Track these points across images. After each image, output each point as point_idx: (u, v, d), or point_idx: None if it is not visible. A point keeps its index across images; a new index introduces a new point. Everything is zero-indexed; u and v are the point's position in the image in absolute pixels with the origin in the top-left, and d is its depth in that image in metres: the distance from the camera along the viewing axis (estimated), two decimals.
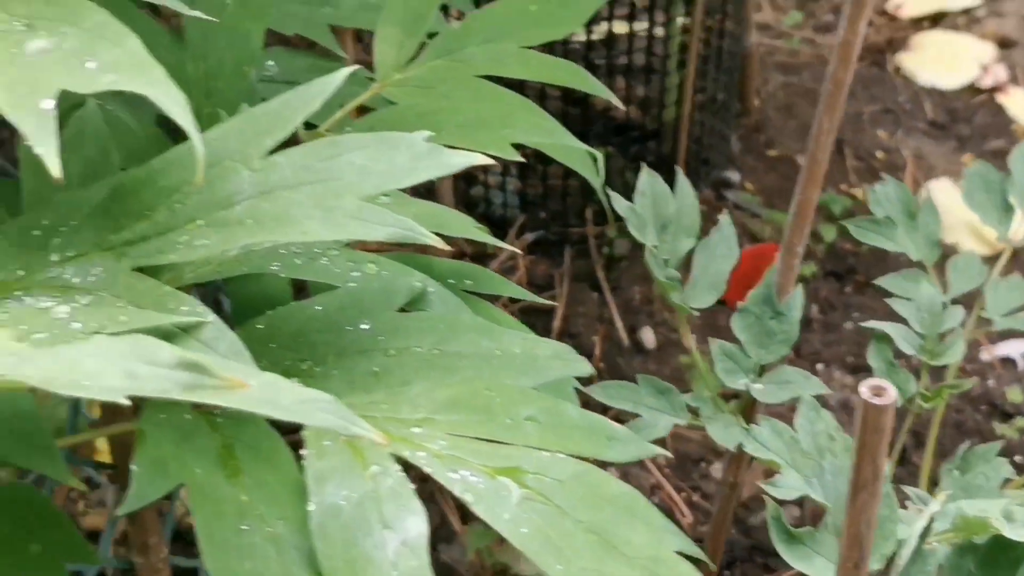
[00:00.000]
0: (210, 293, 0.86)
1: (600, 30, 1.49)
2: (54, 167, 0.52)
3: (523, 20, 0.86)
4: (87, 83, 0.54)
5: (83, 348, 0.43)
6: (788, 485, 0.77)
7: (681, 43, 1.49)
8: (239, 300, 0.71)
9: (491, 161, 0.60)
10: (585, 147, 0.81)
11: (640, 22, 1.47)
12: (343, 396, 0.59)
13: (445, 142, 0.78)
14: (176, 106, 0.53)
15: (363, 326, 0.64)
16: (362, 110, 0.87)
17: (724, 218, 0.92)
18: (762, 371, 0.88)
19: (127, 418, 0.68)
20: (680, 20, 1.48)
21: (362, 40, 1.23)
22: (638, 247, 1.48)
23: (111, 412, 0.70)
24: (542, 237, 1.47)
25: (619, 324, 1.41)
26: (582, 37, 1.48)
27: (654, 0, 1.43)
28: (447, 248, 0.59)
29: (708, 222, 1.50)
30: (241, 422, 0.60)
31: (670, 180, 1.45)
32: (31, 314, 0.56)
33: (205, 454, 0.58)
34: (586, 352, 1.38)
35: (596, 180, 0.83)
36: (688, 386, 1.34)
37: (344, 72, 0.62)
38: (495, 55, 0.85)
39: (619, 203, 0.86)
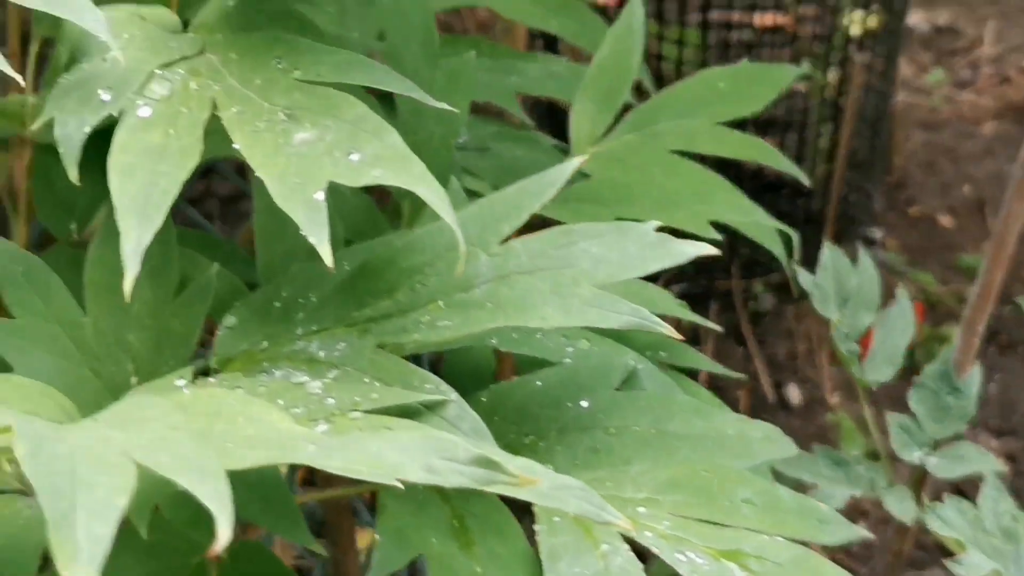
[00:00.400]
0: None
1: None
2: (327, 256, 0.55)
3: (713, 96, 0.89)
4: (354, 176, 0.57)
5: (382, 440, 0.46)
6: (973, 564, 0.78)
7: (832, 100, 1.51)
8: (450, 370, 0.74)
9: (716, 251, 0.63)
10: (780, 226, 0.83)
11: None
12: (568, 472, 0.62)
13: (641, 216, 0.80)
14: (440, 202, 0.56)
15: (583, 403, 0.66)
16: None
17: (902, 292, 0.93)
18: (936, 445, 0.90)
19: (342, 484, 0.71)
20: (829, 76, 1.49)
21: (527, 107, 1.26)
22: (783, 302, 1.50)
23: (325, 477, 0.74)
24: (687, 290, 1.49)
25: (764, 380, 1.42)
26: None
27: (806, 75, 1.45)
28: (678, 337, 0.61)
29: None
30: (470, 494, 0.63)
31: (819, 238, 1.47)
32: (286, 388, 0.60)
33: (439, 525, 0.61)
34: (731, 407, 1.40)
35: (782, 255, 0.85)
36: (834, 445, 1.35)
37: (574, 163, 0.65)
38: (687, 131, 0.87)
39: (804, 278, 0.88)
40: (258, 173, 0.58)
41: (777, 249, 0.84)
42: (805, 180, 0.87)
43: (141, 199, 0.57)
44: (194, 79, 0.63)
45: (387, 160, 0.58)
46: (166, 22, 0.68)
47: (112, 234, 0.65)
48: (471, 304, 0.62)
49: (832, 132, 1.49)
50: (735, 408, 1.41)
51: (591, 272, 0.61)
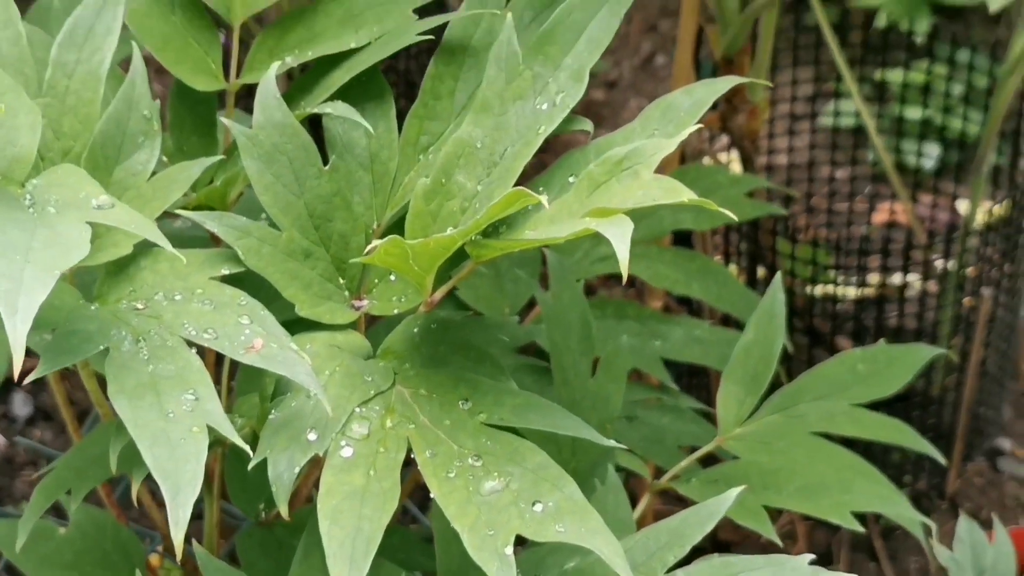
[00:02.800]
0: None
1: (873, 284, 1.56)
2: None
3: (852, 378, 0.94)
4: (538, 530, 0.64)
5: None
6: None
7: (954, 313, 1.54)
8: None
9: None
10: (920, 517, 0.87)
11: (912, 274, 1.52)
12: None
13: (787, 505, 0.86)
14: (616, 557, 0.62)
15: None
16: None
17: None
18: None
19: None
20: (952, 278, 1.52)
21: None
22: None
23: None
24: None
25: None
26: (851, 293, 1.55)
27: (926, 269, 1.49)
28: None
29: (984, 496, 1.53)
30: None
31: (948, 450, 1.49)
32: None
33: None
34: None
35: (921, 533, 0.90)
36: None
37: (734, 493, 0.71)
38: (827, 412, 0.93)
39: (940, 553, 0.92)
40: (452, 524, 0.64)
41: (918, 532, 0.88)
42: (941, 459, 0.92)
43: (348, 545, 0.64)
44: (389, 416, 0.70)
45: (568, 513, 0.64)
46: (358, 348, 0.76)
47: (311, 552, 0.73)
48: None
49: (961, 344, 1.52)
50: None
51: None
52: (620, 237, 0.61)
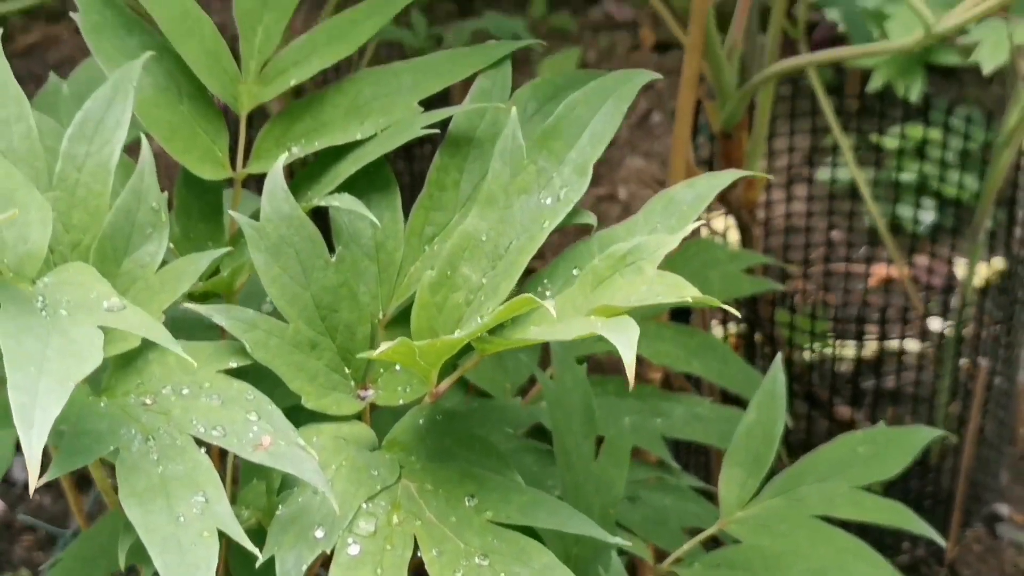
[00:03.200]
0: None
1: (871, 348, 1.57)
2: None
3: (852, 460, 0.95)
4: None
5: None
6: None
7: (952, 379, 1.55)
8: None
9: None
10: None
11: (909, 338, 1.53)
12: None
13: None
14: None
15: None
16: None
17: None
18: None
19: None
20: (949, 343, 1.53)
21: None
22: None
23: None
24: None
25: None
26: (849, 357, 1.56)
27: (923, 333, 1.50)
28: None
29: (983, 563, 1.54)
30: None
31: (947, 516, 1.50)
32: None
33: None
34: None
35: None
36: None
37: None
38: (827, 495, 0.93)
39: None
40: None
41: None
42: (941, 541, 0.92)
43: None
44: (396, 512, 0.71)
45: None
46: (363, 439, 0.76)
47: None
48: None
49: (959, 410, 1.53)
50: None
51: None
52: (626, 343, 0.62)
